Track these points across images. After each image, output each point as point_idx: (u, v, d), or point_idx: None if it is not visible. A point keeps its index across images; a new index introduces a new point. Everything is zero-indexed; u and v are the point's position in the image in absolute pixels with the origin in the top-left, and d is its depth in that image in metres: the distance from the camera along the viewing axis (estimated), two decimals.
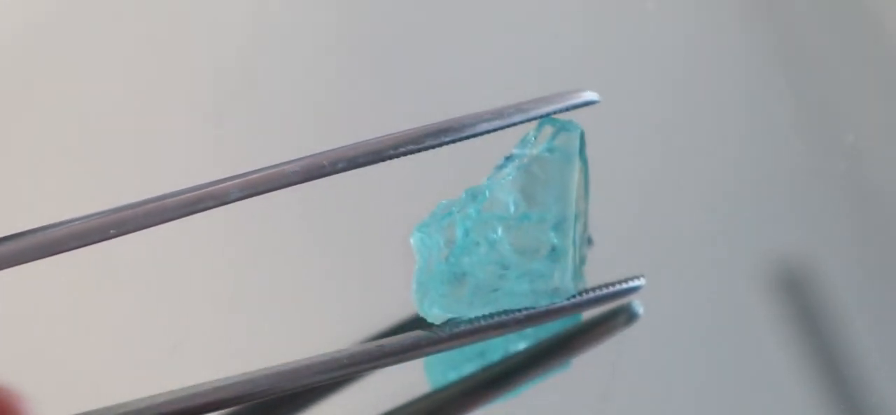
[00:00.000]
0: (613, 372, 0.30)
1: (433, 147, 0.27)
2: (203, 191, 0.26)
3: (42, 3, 0.41)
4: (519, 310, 0.27)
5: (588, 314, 0.29)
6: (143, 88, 0.38)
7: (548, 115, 0.27)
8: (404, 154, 0.27)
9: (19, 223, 0.33)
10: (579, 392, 0.29)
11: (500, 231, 0.26)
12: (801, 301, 0.32)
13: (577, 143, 0.27)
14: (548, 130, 0.27)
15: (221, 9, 0.41)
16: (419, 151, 0.27)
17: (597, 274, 0.28)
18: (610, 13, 0.41)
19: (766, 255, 0.33)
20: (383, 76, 0.39)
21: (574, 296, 0.27)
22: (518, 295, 0.27)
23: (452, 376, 0.29)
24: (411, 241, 0.27)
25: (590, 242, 0.29)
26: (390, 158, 0.27)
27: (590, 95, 0.29)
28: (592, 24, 0.41)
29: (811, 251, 0.34)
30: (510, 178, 0.27)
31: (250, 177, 0.26)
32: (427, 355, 0.27)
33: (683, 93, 0.38)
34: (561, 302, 0.27)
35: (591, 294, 0.28)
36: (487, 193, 0.27)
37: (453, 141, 0.27)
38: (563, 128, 0.27)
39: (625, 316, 0.30)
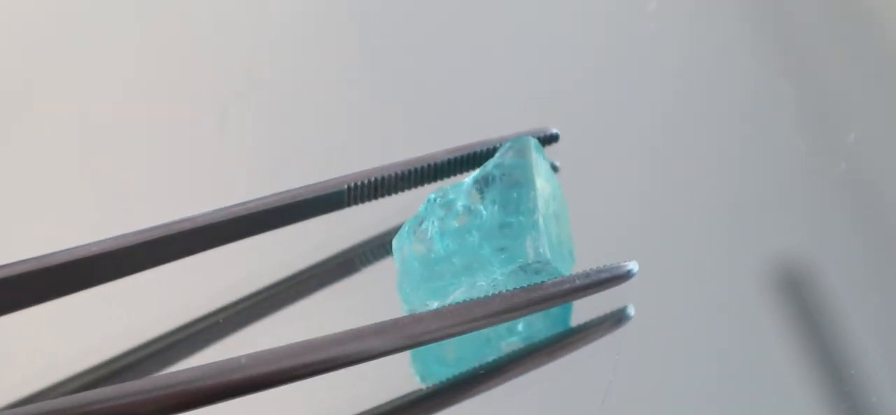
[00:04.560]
0: (614, 368, 0.30)
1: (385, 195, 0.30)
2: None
3: (46, 4, 0.41)
4: (507, 292, 0.27)
5: (580, 317, 0.29)
6: (148, 85, 0.39)
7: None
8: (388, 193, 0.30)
9: (23, 217, 0.33)
10: (575, 392, 0.30)
11: (469, 220, 0.27)
12: (801, 301, 0.32)
13: (530, 142, 0.28)
14: (503, 146, 0.28)
15: (226, 9, 0.41)
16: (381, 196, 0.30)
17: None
18: (613, 13, 0.41)
19: (767, 254, 0.33)
20: (382, 73, 0.39)
21: (562, 276, 0.27)
22: (498, 274, 0.27)
23: (444, 374, 0.29)
24: (393, 250, 0.28)
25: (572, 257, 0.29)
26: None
27: (551, 131, 0.32)
28: (595, 23, 0.41)
29: (811, 251, 0.34)
30: (472, 178, 0.28)
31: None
32: (418, 346, 0.27)
33: (685, 94, 0.38)
34: (549, 279, 0.27)
35: (584, 279, 0.28)
36: (451, 193, 0.28)
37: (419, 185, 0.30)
38: (515, 140, 0.28)
39: (617, 318, 0.30)
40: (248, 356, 0.25)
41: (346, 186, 0.30)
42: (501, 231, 0.27)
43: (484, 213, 0.27)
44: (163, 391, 0.24)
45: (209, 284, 0.30)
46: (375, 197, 0.30)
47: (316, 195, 0.30)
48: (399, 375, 0.28)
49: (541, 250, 0.27)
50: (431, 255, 0.27)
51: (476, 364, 0.28)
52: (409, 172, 0.30)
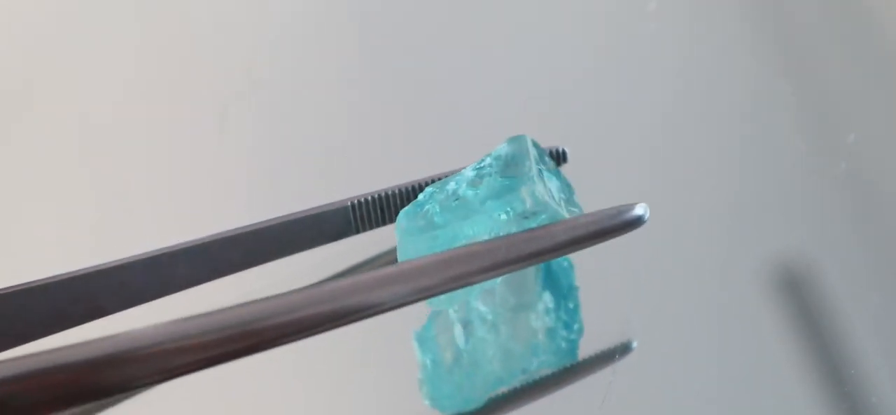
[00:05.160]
0: (614, 368, 0.30)
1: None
2: None
3: (46, 4, 0.41)
4: (510, 235, 0.26)
5: (583, 351, 0.29)
6: (148, 85, 0.39)
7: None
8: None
9: (23, 217, 0.33)
10: (575, 392, 0.30)
11: (470, 193, 0.27)
12: (801, 301, 0.32)
13: (526, 138, 0.28)
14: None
15: (226, 9, 0.41)
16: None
17: (597, 280, 0.28)
18: (613, 13, 0.41)
19: (767, 254, 0.33)
20: (382, 74, 0.39)
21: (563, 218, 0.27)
22: (499, 218, 0.27)
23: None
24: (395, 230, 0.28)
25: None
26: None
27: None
28: (595, 24, 0.41)
29: (811, 251, 0.34)
30: (471, 169, 0.28)
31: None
32: (422, 299, 0.25)
33: (685, 94, 0.38)
34: (552, 223, 0.26)
35: (591, 220, 0.26)
36: (450, 183, 0.28)
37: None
38: (512, 138, 0.28)
39: (621, 350, 0.30)
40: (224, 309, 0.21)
41: (349, 204, 0.29)
42: (500, 194, 0.27)
43: (484, 190, 0.27)
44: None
45: (210, 297, 0.30)
46: (383, 223, 0.30)
47: (322, 218, 0.29)
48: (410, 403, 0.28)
49: (537, 194, 0.27)
50: (432, 226, 0.27)
51: (487, 399, 0.28)
52: (415, 190, 0.30)
